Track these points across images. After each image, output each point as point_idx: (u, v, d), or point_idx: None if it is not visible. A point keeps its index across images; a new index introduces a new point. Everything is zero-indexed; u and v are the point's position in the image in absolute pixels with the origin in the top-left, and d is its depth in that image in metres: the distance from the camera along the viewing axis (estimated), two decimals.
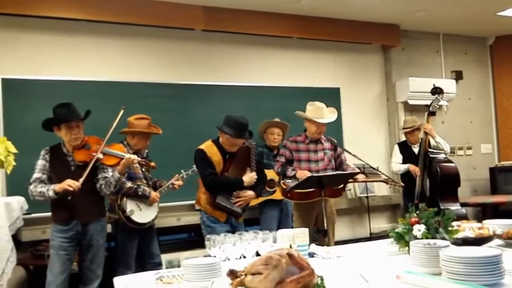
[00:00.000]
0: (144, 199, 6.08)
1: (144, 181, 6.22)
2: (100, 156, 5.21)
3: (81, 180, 5.04)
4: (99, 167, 5.32)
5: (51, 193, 5.05)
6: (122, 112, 5.45)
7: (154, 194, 6.15)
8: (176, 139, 7.19)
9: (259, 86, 8.27)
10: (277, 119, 7.62)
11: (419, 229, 3.27)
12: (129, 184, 5.97)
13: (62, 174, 5.14)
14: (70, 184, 5.00)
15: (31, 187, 5.14)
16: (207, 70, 8.00)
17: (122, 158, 5.35)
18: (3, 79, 6.58)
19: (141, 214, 6.10)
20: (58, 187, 5.04)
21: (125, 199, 6.00)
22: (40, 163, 5.22)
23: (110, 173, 5.33)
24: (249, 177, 5.94)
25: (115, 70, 7.34)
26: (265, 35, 8.36)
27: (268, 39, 8.46)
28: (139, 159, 5.63)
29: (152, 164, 6.11)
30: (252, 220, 7.55)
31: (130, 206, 6.01)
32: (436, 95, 7.80)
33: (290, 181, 6.19)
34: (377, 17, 8.92)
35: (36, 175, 5.18)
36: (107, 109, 6.73)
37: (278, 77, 8.52)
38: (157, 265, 6.22)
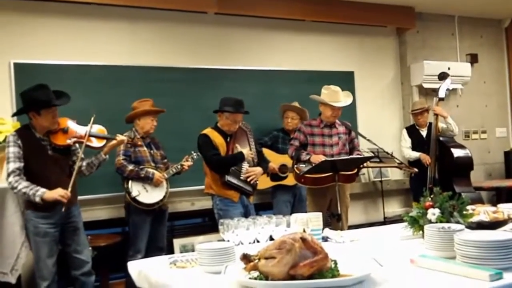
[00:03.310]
0: (148, 180, 6.17)
1: (152, 164, 6.31)
2: (89, 143, 5.18)
3: (70, 188, 4.91)
4: (73, 150, 5.25)
5: (37, 199, 4.79)
6: (93, 119, 5.24)
7: (158, 175, 6.22)
8: (189, 123, 7.15)
9: (273, 70, 8.22)
10: (295, 103, 7.58)
11: (433, 213, 3.27)
12: (130, 167, 6.13)
13: (39, 160, 4.97)
14: (63, 195, 4.83)
15: (12, 179, 4.82)
16: (220, 54, 7.95)
17: (108, 139, 5.34)
18: (15, 64, 6.56)
19: (148, 195, 6.20)
20: (48, 196, 4.82)
21: (130, 182, 6.15)
22: (14, 150, 4.87)
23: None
24: (247, 150, 6.17)
25: (126, 54, 7.29)
26: (278, 18, 8.28)
27: (281, 22, 8.40)
28: (126, 138, 5.64)
29: (139, 143, 6.23)
30: (265, 204, 7.56)
31: (135, 188, 6.14)
32: (443, 80, 7.80)
33: (304, 165, 6.19)
34: (391, 0, 8.85)
35: (14, 165, 4.84)
36: (119, 93, 6.80)
37: (292, 61, 8.46)
38: (160, 250, 6.27)
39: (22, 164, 4.87)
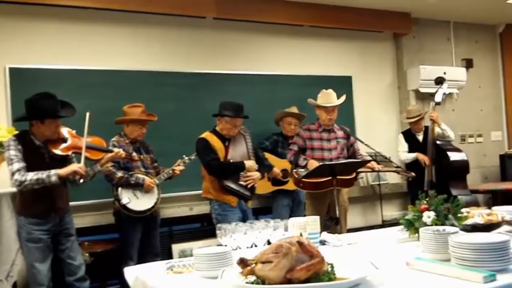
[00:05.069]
0: (139, 187, 6.13)
1: (142, 169, 6.28)
2: (88, 154, 5.19)
3: (82, 163, 5.00)
4: (69, 160, 5.27)
5: (54, 179, 4.83)
6: (88, 115, 5.22)
7: (149, 181, 6.18)
8: (188, 127, 7.11)
9: (271, 75, 8.24)
10: (294, 107, 7.60)
11: (428, 216, 3.29)
12: (119, 174, 6.06)
13: (36, 167, 4.92)
14: (81, 167, 4.94)
15: (18, 176, 4.79)
16: (219, 59, 7.96)
17: (106, 151, 5.38)
18: (10, 68, 6.52)
19: (139, 202, 6.15)
20: (63, 172, 4.89)
21: (120, 189, 6.08)
22: (15, 153, 4.88)
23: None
24: (251, 162, 6.17)
25: (125, 58, 7.29)
26: (277, 23, 8.32)
27: (280, 27, 8.43)
28: (124, 153, 5.63)
29: (136, 158, 6.16)
30: (264, 209, 7.58)
31: (126, 195, 6.08)
32: (439, 85, 7.84)
33: (302, 170, 6.21)
34: (388, 5, 8.88)
35: (18, 164, 4.83)
36: (118, 98, 6.78)
37: (290, 66, 8.49)
38: (155, 256, 6.27)
39: (25, 165, 4.87)
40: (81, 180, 5.03)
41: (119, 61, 7.22)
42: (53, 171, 4.85)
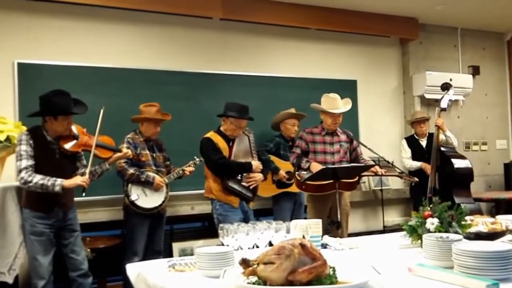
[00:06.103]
0: (148, 185, 6.17)
1: (154, 167, 6.31)
2: (97, 152, 5.25)
3: (87, 175, 5.06)
4: (78, 157, 5.36)
5: (57, 189, 4.88)
6: (102, 111, 5.31)
7: (158, 180, 6.22)
8: (191, 127, 7.16)
9: (276, 77, 8.23)
10: (292, 109, 7.57)
11: (432, 223, 3.28)
12: (131, 170, 6.11)
13: (46, 162, 5.00)
14: (84, 180, 4.98)
15: (25, 175, 4.85)
16: (225, 60, 7.96)
17: (114, 151, 5.44)
18: (19, 64, 6.54)
19: (147, 200, 6.21)
20: (68, 183, 4.93)
21: (130, 185, 6.15)
22: (26, 148, 4.93)
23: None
24: (257, 162, 6.24)
25: (131, 57, 7.29)
26: (283, 25, 8.31)
27: (285, 30, 8.42)
28: (132, 154, 5.80)
29: (144, 158, 6.24)
30: (266, 211, 7.55)
31: (135, 191, 6.15)
32: (446, 90, 7.83)
33: (305, 172, 6.21)
34: (395, 10, 8.87)
35: (27, 162, 4.89)
36: (123, 96, 6.81)
37: (295, 68, 8.48)
38: (157, 253, 6.30)
39: (34, 163, 4.92)
40: (83, 194, 5.05)
41: (126, 60, 7.23)
42: (58, 181, 4.90)
